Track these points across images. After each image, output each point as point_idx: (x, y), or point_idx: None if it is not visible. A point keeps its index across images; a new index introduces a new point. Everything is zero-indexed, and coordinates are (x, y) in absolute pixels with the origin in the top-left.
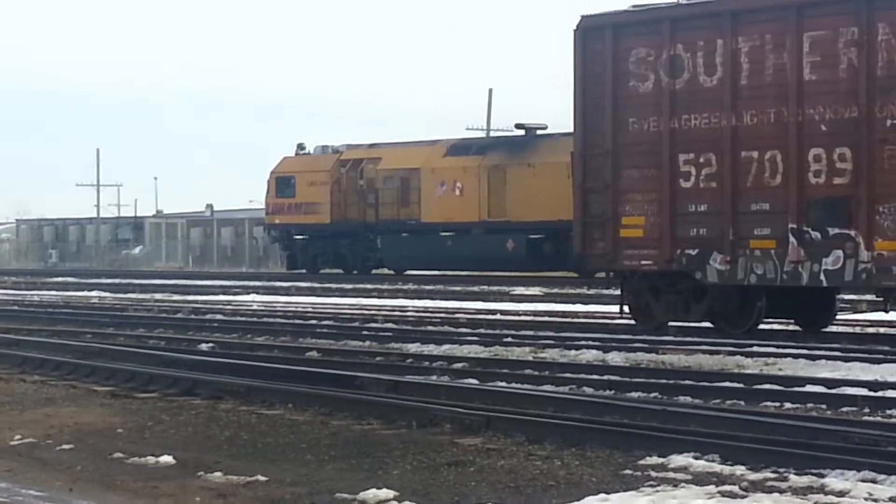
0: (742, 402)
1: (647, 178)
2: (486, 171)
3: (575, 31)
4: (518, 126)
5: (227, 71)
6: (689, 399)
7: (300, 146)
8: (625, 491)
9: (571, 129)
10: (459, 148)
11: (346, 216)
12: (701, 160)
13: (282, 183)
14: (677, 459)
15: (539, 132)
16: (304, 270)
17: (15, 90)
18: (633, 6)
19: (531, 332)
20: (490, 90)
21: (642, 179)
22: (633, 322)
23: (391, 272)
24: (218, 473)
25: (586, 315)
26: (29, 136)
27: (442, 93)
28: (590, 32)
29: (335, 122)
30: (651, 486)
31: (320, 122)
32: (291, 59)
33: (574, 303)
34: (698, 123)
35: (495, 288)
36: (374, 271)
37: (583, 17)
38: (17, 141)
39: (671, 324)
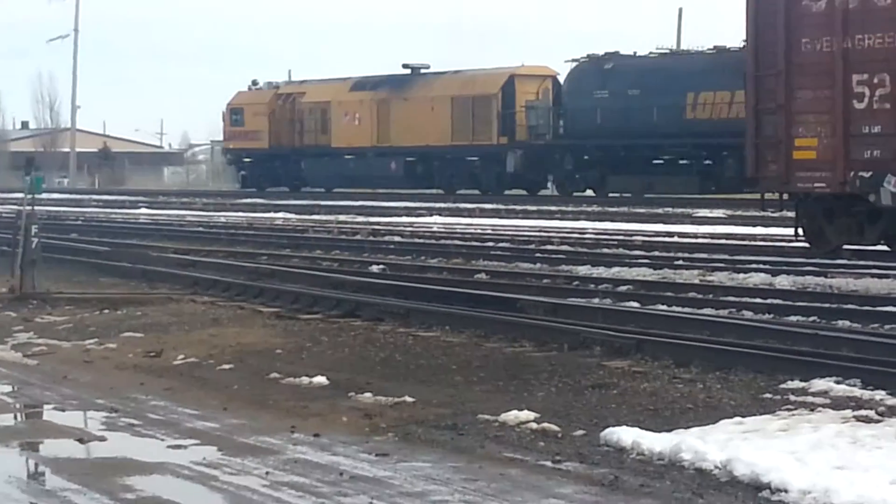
0: None
1: (820, 100)
2: (376, 104)
3: None
4: (404, 66)
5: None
6: (847, 323)
7: (253, 82)
8: (760, 414)
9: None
10: (360, 84)
11: (280, 142)
12: (875, 81)
13: (234, 113)
14: (818, 384)
15: (423, 71)
16: (254, 189)
17: (206, 8)
18: None
19: (704, 255)
20: (680, 9)
21: (815, 101)
22: (807, 245)
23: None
24: (368, 394)
25: (763, 238)
26: (223, 58)
27: (631, 12)
28: None
29: (537, 44)
30: (788, 409)
31: (525, 46)
32: None
33: (755, 225)
34: (872, 43)
35: (679, 210)
36: (302, 189)
37: None
38: (212, 64)
39: (846, 247)
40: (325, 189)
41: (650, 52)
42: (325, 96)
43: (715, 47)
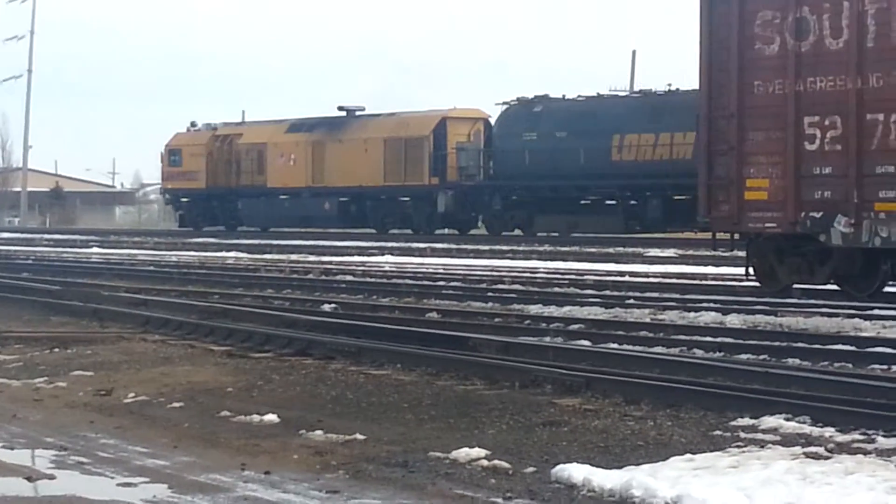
0: (850, 365)
1: (772, 141)
2: (311, 145)
3: None
4: (340, 108)
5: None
6: (797, 361)
7: (192, 123)
8: (711, 451)
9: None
10: (296, 126)
11: (217, 182)
12: (826, 123)
13: (173, 154)
14: (768, 421)
15: (358, 113)
16: (191, 228)
17: (159, 48)
18: None
19: (656, 294)
20: (633, 52)
21: (767, 142)
22: (758, 284)
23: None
24: (319, 432)
25: (715, 277)
26: (173, 96)
27: (586, 53)
28: None
29: (483, 80)
30: (738, 446)
31: (471, 81)
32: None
33: (706, 265)
34: (824, 86)
35: (630, 250)
36: (239, 228)
37: None
38: (162, 102)
39: (796, 286)
40: (261, 228)
41: (578, 96)
42: (261, 138)
43: (640, 91)
